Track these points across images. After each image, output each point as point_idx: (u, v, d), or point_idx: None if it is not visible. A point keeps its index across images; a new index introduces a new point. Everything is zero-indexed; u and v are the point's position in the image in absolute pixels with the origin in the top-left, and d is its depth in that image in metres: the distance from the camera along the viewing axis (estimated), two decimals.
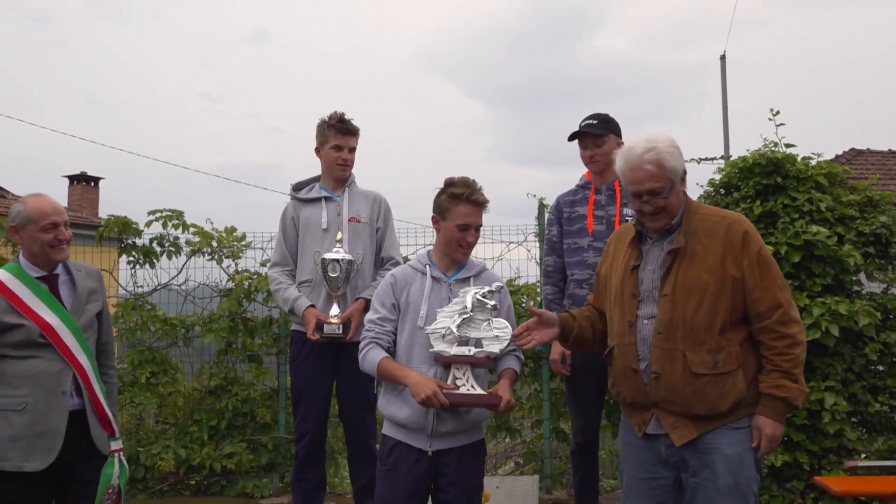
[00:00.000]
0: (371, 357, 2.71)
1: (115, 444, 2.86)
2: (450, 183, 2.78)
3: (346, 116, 3.69)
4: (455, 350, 2.67)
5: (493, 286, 2.73)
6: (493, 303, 2.69)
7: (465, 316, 2.68)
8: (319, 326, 3.51)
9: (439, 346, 2.67)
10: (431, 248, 2.94)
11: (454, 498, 2.70)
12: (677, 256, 2.37)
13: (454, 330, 2.65)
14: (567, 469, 4.82)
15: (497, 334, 2.69)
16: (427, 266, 2.81)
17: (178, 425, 5.04)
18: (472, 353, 2.67)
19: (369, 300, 3.58)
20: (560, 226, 3.71)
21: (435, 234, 2.87)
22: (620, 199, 3.60)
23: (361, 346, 2.75)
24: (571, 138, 3.69)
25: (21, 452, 2.62)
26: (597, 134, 3.61)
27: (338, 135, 3.68)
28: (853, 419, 4.11)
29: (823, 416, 3.92)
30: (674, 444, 2.36)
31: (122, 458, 2.88)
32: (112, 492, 2.80)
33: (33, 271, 2.79)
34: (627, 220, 3.54)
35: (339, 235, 3.59)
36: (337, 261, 3.50)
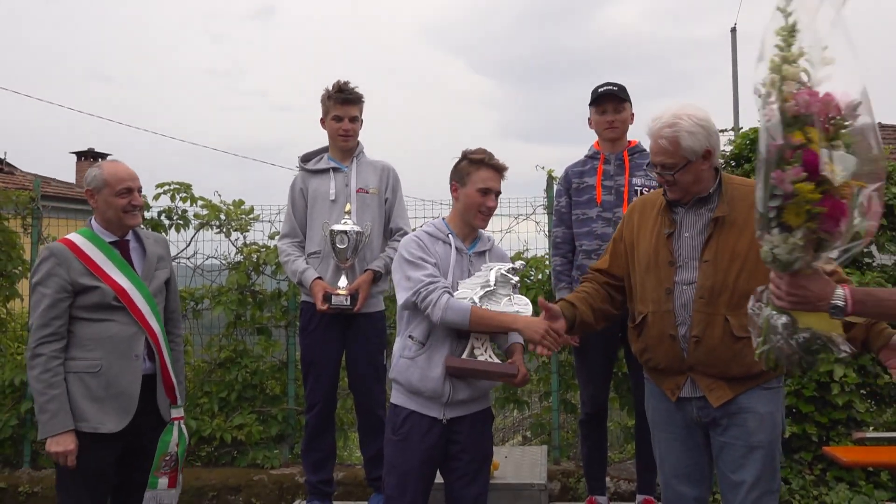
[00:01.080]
0: (458, 305, 2.59)
1: (176, 413, 2.87)
2: (468, 151, 2.78)
3: (348, 85, 3.63)
4: None
5: (517, 264, 2.76)
6: (516, 279, 2.71)
7: (487, 289, 2.68)
8: (327, 298, 3.51)
9: None
10: (446, 216, 2.89)
11: (466, 465, 2.71)
12: (718, 223, 2.39)
13: (476, 301, 2.64)
14: (575, 441, 4.84)
15: (518, 309, 2.69)
16: (449, 235, 2.78)
17: (189, 397, 5.07)
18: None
19: (377, 271, 3.58)
20: (569, 196, 3.69)
21: (453, 203, 2.83)
22: (630, 170, 3.58)
23: (434, 296, 2.60)
24: (594, 102, 3.65)
25: (97, 414, 2.66)
26: (620, 98, 3.59)
27: (337, 105, 3.62)
28: (862, 391, 4.11)
29: (832, 387, 3.92)
30: (706, 406, 2.40)
31: (183, 426, 2.89)
32: (170, 459, 2.82)
33: (106, 236, 2.83)
34: (636, 190, 3.52)
35: (348, 206, 3.56)
36: (345, 232, 3.49)
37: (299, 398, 4.89)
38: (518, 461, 3.86)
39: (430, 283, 2.63)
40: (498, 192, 2.77)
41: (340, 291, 3.52)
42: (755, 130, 4.39)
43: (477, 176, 2.72)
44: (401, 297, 2.70)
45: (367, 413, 3.70)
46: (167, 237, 5.24)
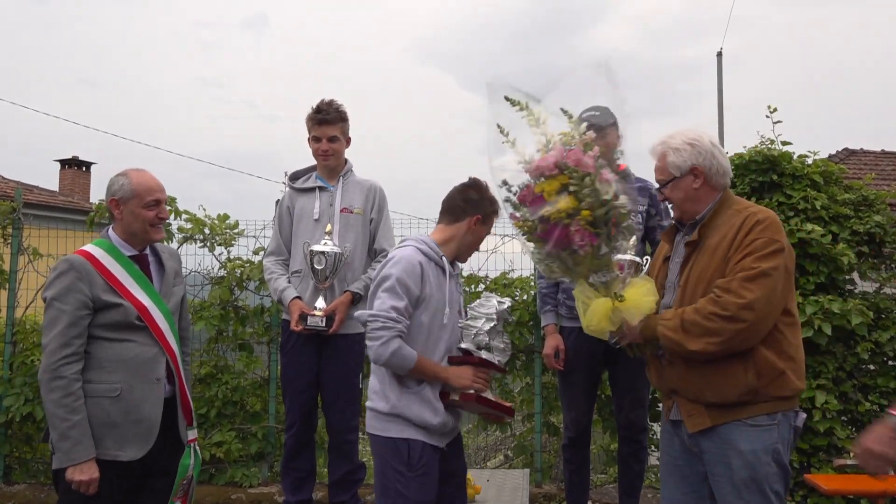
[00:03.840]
0: (405, 353, 2.51)
1: (192, 434, 2.73)
2: (491, 194, 2.73)
3: (332, 104, 3.60)
4: (486, 354, 2.65)
5: (507, 301, 2.77)
6: (513, 318, 2.78)
7: (493, 323, 2.68)
8: (303, 318, 3.48)
9: (467, 345, 2.65)
10: (432, 235, 2.79)
11: (456, 484, 2.76)
12: (694, 249, 2.41)
13: (485, 334, 2.65)
14: (557, 463, 4.82)
15: (503, 347, 2.72)
16: (442, 258, 2.69)
17: None
18: (497, 362, 2.68)
19: (356, 293, 3.54)
20: None
21: (460, 230, 2.73)
22: None
23: (386, 335, 2.49)
24: None
25: (117, 440, 2.49)
26: (601, 125, 3.57)
27: (315, 126, 3.60)
28: (843, 418, 4.13)
29: (814, 414, 3.93)
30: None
31: (197, 448, 2.75)
32: (186, 483, 2.70)
33: (126, 249, 2.63)
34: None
35: (329, 227, 3.55)
36: (323, 253, 3.46)
37: (280, 415, 4.83)
38: (500, 485, 3.83)
39: (392, 319, 2.51)
40: None
41: (317, 312, 3.49)
42: (741, 156, 4.43)
43: (491, 221, 2.77)
44: (368, 305, 2.64)
45: (336, 435, 3.65)
46: None
